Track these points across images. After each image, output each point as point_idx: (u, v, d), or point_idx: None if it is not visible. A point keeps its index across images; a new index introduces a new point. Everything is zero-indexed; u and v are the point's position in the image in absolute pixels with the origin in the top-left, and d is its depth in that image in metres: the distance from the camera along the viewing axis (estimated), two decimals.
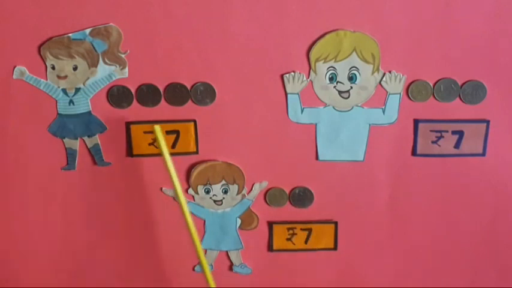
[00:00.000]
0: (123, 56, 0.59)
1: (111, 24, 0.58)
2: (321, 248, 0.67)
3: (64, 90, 0.61)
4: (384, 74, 0.60)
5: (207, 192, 0.64)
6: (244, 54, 0.59)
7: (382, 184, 0.64)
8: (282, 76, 0.60)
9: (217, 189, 0.64)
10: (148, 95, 0.61)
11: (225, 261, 0.68)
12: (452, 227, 0.66)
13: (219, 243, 0.67)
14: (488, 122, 0.62)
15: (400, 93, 0.61)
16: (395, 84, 0.60)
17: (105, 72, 0.60)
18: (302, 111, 0.61)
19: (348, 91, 0.60)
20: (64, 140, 0.63)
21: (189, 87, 0.60)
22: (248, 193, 0.65)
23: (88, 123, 0.62)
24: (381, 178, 0.64)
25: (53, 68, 0.60)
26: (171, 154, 0.62)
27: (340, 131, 0.62)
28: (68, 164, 0.63)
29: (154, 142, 0.62)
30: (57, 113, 0.61)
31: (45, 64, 0.60)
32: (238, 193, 0.65)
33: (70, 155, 0.63)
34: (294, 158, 0.63)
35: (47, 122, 0.62)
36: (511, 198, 0.65)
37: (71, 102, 0.61)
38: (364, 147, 0.63)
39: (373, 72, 0.60)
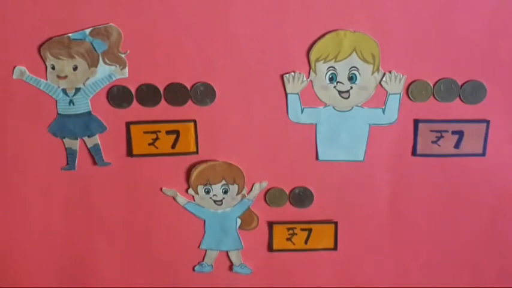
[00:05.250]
0: (123, 56, 0.59)
1: (111, 24, 0.58)
2: (321, 248, 0.67)
3: (64, 90, 0.61)
4: (384, 74, 0.60)
5: (207, 192, 0.64)
6: (244, 54, 0.59)
7: (382, 184, 0.64)
8: (282, 76, 0.60)
9: (217, 189, 0.64)
10: (148, 95, 0.61)
11: (225, 261, 0.68)
12: (452, 227, 0.66)
13: (219, 243, 0.67)
14: (488, 122, 0.62)
15: (400, 93, 0.61)
16: (395, 84, 0.60)
17: (105, 72, 0.60)
18: (302, 111, 0.61)
19: (348, 91, 0.60)
20: (64, 140, 0.63)
21: (189, 87, 0.60)
22: (248, 193, 0.65)
23: (88, 123, 0.62)
24: (381, 178, 0.64)
25: (53, 68, 0.60)
26: (171, 154, 0.63)
27: (340, 131, 0.62)
28: (68, 164, 0.63)
29: (154, 142, 0.62)
30: (57, 113, 0.61)
31: (45, 64, 0.60)
32: (238, 193, 0.65)
33: (70, 155, 0.63)
34: (294, 158, 0.63)
35: (47, 122, 0.62)
36: (511, 198, 0.65)
37: (71, 102, 0.61)
38: (364, 147, 0.63)
39: (373, 72, 0.60)
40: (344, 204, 0.65)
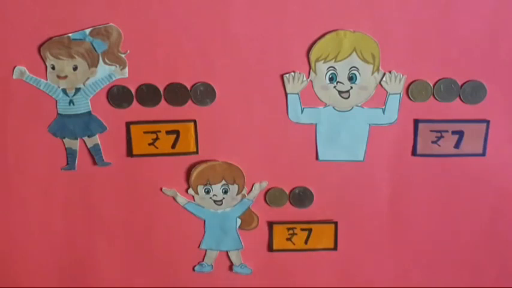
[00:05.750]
0: (123, 56, 0.59)
1: (111, 24, 0.58)
2: (321, 248, 0.67)
3: (64, 90, 0.61)
4: (384, 74, 0.60)
5: (207, 192, 0.64)
6: (244, 54, 0.59)
7: (382, 184, 0.64)
8: (282, 76, 0.60)
9: (217, 189, 0.64)
10: (148, 95, 0.61)
11: (225, 261, 0.68)
12: (452, 227, 0.66)
13: (219, 243, 0.67)
14: (488, 122, 0.62)
15: (400, 93, 0.61)
16: (395, 84, 0.60)
17: (105, 72, 0.60)
18: (302, 111, 0.61)
19: (348, 91, 0.60)
20: (64, 140, 0.63)
21: (189, 87, 0.60)
22: (248, 193, 0.65)
23: (88, 123, 0.62)
24: (381, 178, 0.64)
25: (53, 68, 0.60)
26: (171, 154, 0.63)
27: (340, 131, 0.62)
28: (68, 164, 0.63)
29: (154, 142, 0.62)
30: (57, 113, 0.61)
31: (45, 64, 0.60)
32: (238, 193, 0.65)
33: (70, 155, 0.63)
34: (294, 158, 0.63)
35: (47, 122, 0.62)
36: (511, 198, 0.65)
37: (71, 102, 0.61)
38: (364, 147, 0.63)
39: (373, 72, 0.60)
40: (344, 204, 0.65)
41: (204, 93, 0.60)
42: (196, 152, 0.63)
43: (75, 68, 0.60)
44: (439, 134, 0.62)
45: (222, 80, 0.60)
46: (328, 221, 0.66)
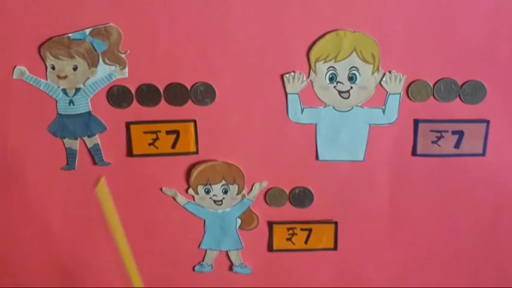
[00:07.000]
0: (123, 56, 0.59)
1: (111, 24, 0.58)
2: (321, 248, 0.67)
3: (64, 90, 0.61)
4: (384, 74, 0.60)
5: (207, 192, 0.64)
6: (244, 54, 0.59)
7: (382, 184, 0.64)
8: (282, 76, 0.60)
9: (217, 189, 0.64)
10: (148, 95, 0.61)
11: (225, 261, 0.68)
12: (452, 227, 0.66)
13: (219, 243, 0.67)
14: (488, 122, 0.62)
15: (400, 93, 0.61)
16: (395, 84, 0.60)
17: (105, 72, 0.60)
18: (302, 111, 0.61)
19: (348, 91, 0.60)
20: (64, 140, 0.63)
21: (189, 87, 0.60)
22: (248, 193, 0.65)
23: (88, 123, 0.62)
24: (381, 178, 0.64)
25: (53, 68, 0.60)
26: (171, 154, 0.63)
27: (340, 131, 0.62)
28: (68, 164, 0.63)
29: (154, 142, 0.62)
30: (57, 113, 0.61)
31: (45, 64, 0.60)
32: (238, 193, 0.65)
33: (70, 155, 0.63)
34: (294, 158, 0.63)
35: (47, 122, 0.62)
36: (511, 198, 0.65)
37: (71, 102, 0.61)
38: (364, 147, 0.63)
39: (373, 72, 0.60)
40: (344, 204, 0.65)
41: (204, 93, 0.60)
42: (196, 152, 0.63)
43: (75, 68, 0.60)
44: (439, 134, 0.62)
45: (222, 80, 0.60)
46: (328, 221, 0.66)
